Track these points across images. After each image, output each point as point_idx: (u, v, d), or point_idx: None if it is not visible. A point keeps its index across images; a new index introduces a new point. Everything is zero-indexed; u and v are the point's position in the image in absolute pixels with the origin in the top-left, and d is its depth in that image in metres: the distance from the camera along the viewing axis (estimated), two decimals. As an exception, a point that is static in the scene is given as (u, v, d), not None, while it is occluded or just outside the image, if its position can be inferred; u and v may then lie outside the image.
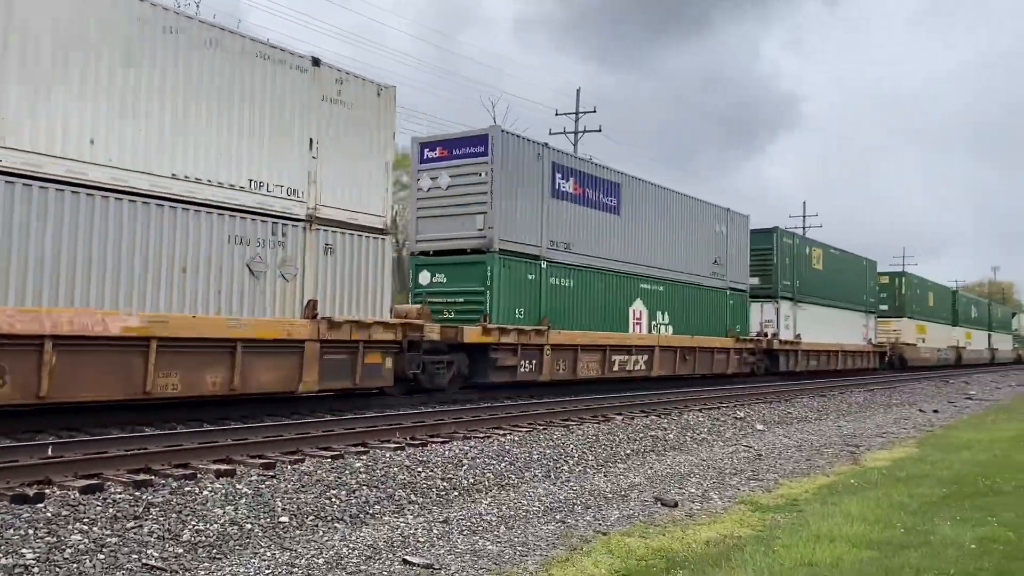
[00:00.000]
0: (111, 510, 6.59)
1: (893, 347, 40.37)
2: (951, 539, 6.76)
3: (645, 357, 20.98)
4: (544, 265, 17.78)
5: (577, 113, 43.27)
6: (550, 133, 42.85)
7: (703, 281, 24.04)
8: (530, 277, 17.48)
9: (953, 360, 49.84)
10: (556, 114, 44.04)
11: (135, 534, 6.20)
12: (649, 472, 10.62)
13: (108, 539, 6.03)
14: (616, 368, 19.84)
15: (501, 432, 12.06)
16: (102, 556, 5.76)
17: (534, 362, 17.48)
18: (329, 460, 9.07)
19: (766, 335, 27.57)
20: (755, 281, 27.72)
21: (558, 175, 18.38)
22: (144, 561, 5.76)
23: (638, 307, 21.06)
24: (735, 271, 25.86)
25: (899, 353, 40.82)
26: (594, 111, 43.93)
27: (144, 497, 7.00)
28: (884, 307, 40.45)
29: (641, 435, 13.16)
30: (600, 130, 43.35)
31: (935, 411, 21.31)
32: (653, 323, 21.67)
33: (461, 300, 16.92)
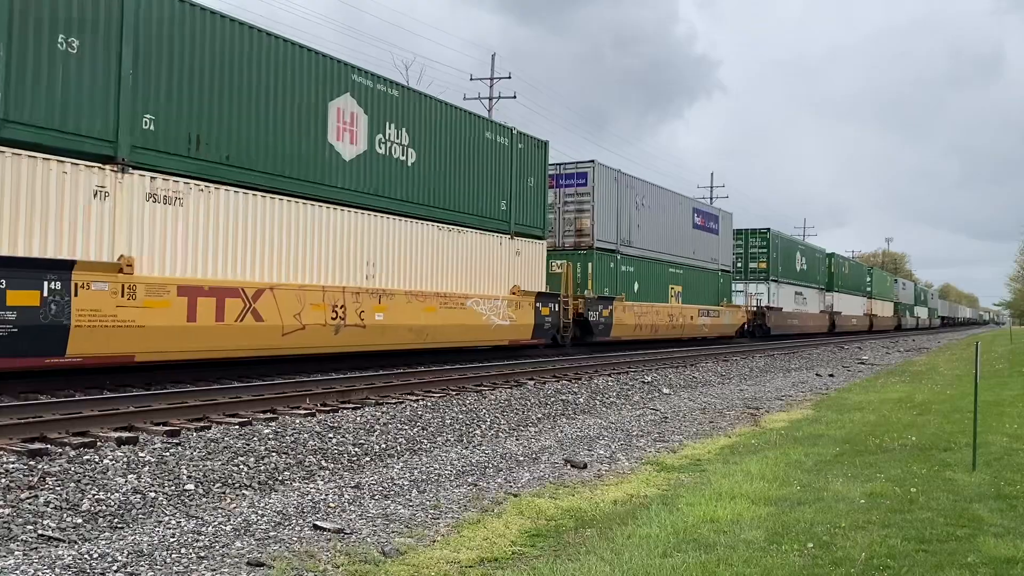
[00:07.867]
0: (3, 480, 6.31)
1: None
2: (843, 495, 7.13)
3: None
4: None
5: (492, 78, 43.07)
6: (464, 98, 42.54)
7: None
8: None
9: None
10: (471, 79, 43.76)
11: (30, 504, 5.96)
12: (560, 435, 10.81)
13: (0, 510, 5.79)
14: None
15: (413, 398, 12.05)
16: (-6, 528, 5.52)
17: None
18: (237, 427, 8.90)
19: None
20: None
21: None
22: (40, 532, 5.55)
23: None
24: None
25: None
26: (509, 77, 43.95)
27: (39, 466, 6.73)
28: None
29: (552, 399, 13.36)
30: (515, 96, 43.39)
31: (831, 375, 22.33)
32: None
33: None
